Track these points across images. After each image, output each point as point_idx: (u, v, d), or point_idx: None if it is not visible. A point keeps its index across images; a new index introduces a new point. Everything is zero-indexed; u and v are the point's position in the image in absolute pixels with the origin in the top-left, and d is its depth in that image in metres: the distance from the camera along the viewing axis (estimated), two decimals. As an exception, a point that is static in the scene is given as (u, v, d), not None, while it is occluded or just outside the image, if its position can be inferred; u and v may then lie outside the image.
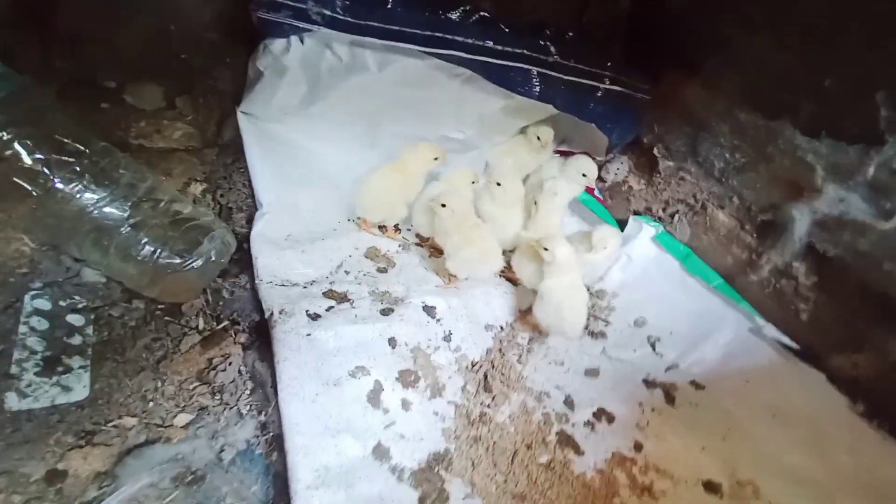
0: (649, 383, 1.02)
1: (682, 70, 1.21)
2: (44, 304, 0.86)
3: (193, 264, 0.88)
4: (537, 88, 1.10)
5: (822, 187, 0.92)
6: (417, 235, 1.23)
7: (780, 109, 0.99)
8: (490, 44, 1.03)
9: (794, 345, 1.03)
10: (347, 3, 0.98)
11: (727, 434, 0.93)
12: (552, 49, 1.08)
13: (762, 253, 1.07)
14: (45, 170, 0.80)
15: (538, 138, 1.25)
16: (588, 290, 1.21)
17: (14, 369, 0.77)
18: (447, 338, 1.00)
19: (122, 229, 0.85)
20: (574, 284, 1.02)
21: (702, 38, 1.17)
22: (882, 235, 0.86)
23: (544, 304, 1.01)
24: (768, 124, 1.01)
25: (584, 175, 1.22)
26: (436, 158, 1.13)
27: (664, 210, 1.27)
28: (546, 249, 1.00)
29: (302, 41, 1.02)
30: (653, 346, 1.10)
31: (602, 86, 1.14)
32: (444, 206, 1.07)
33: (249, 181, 1.14)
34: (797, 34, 0.96)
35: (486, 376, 0.96)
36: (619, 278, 1.24)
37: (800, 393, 0.97)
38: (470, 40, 1.03)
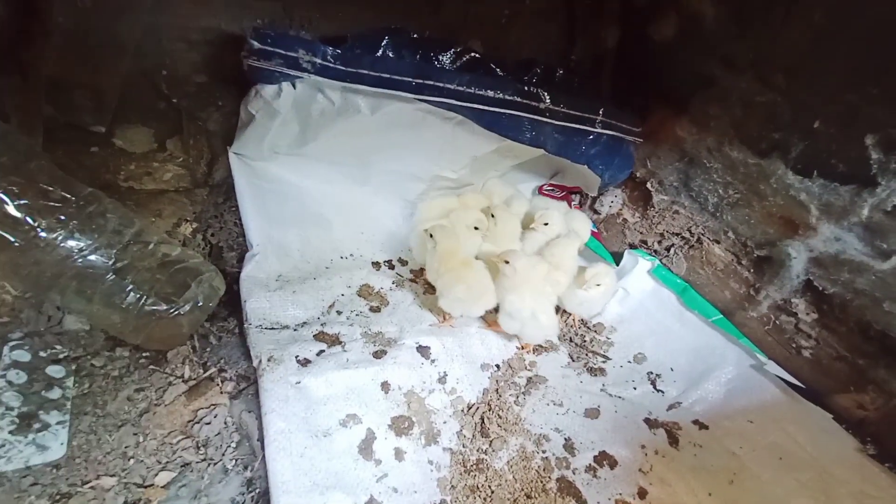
0: (651, 423, 0.99)
1: (671, 106, 1.23)
2: (23, 355, 0.83)
3: (180, 310, 0.86)
4: (528, 134, 1.11)
5: (817, 226, 0.92)
6: (412, 271, 1.22)
7: (770, 148, 1.00)
8: (481, 91, 1.05)
9: (797, 382, 1.01)
10: (338, 51, 1.00)
11: (734, 478, 0.90)
12: (544, 96, 1.09)
13: (760, 288, 1.06)
14: (29, 218, 0.78)
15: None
16: (585, 324, 1.20)
17: (-13, 428, 0.73)
18: (442, 379, 0.97)
19: (107, 277, 0.83)
20: (537, 290, 1.05)
21: (687, 76, 1.20)
22: (880, 275, 0.85)
23: (510, 319, 1.04)
24: (759, 162, 1.02)
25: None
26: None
27: (660, 243, 1.27)
28: (507, 263, 1.02)
29: (294, 86, 1.03)
30: (653, 384, 1.08)
31: (594, 130, 1.15)
32: (431, 236, 1.06)
33: (240, 220, 1.13)
34: (781, 75, 0.98)
35: (482, 419, 0.93)
36: (616, 312, 1.23)
37: (806, 434, 0.94)
38: (461, 87, 1.04)
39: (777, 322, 1.04)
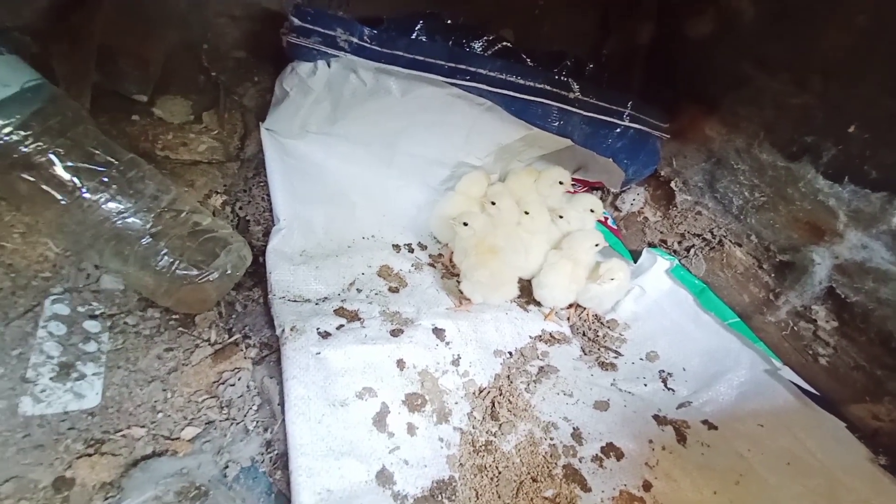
0: (660, 420, 0.99)
1: (701, 105, 1.21)
2: (63, 309, 0.87)
3: (209, 276, 0.89)
4: (556, 123, 1.11)
5: (844, 233, 0.90)
6: (431, 256, 1.24)
7: (801, 151, 0.99)
8: (511, 78, 1.05)
9: (811, 389, 1.01)
10: (374, 32, 1.01)
11: (740, 479, 0.90)
12: (573, 85, 1.09)
13: (780, 294, 1.05)
14: (75, 179, 0.82)
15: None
16: (599, 319, 1.21)
17: (30, 374, 0.78)
18: (455, 362, 0.99)
19: (143, 240, 0.86)
20: (550, 262, 1.14)
21: (720, 74, 1.18)
22: (906, 285, 0.84)
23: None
24: (788, 165, 1.01)
25: (591, 210, 1.23)
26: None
27: (679, 243, 1.26)
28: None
29: (329, 65, 1.05)
30: (664, 382, 1.08)
31: (621, 123, 1.15)
32: (465, 224, 1.08)
33: (268, 195, 1.16)
34: (818, 77, 0.96)
35: (493, 403, 0.95)
36: (631, 310, 1.23)
37: (817, 441, 0.94)
38: (492, 73, 1.05)
39: (795, 328, 1.03)
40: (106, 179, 0.84)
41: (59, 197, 0.81)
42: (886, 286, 0.88)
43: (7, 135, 0.78)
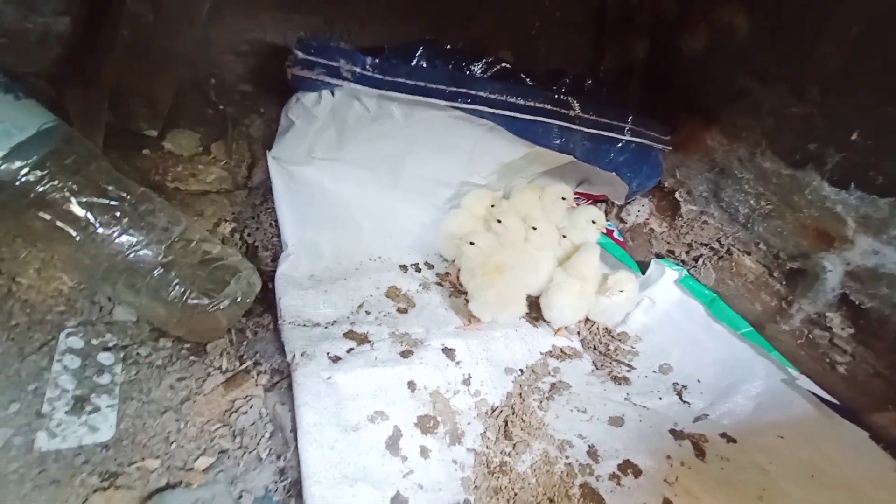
0: (677, 434, 0.97)
1: (701, 117, 1.23)
2: (77, 342, 0.88)
3: (220, 305, 0.90)
4: (558, 141, 1.13)
5: (854, 239, 0.90)
6: (438, 275, 1.24)
7: (805, 159, 0.99)
8: (512, 98, 1.07)
9: (831, 399, 0.99)
10: (376, 60, 1.04)
11: (763, 494, 0.88)
12: (573, 103, 1.11)
13: (792, 301, 1.04)
14: (89, 215, 0.84)
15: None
16: (610, 332, 1.20)
17: (46, 408, 0.79)
18: (466, 381, 0.98)
19: (155, 271, 0.88)
20: (557, 282, 1.13)
21: (718, 87, 1.19)
22: (920, 290, 0.83)
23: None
24: (793, 173, 1.01)
25: (593, 222, 1.23)
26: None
27: (687, 253, 1.26)
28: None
29: (333, 94, 1.08)
30: (679, 395, 1.07)
31: (622, 137, 1.16)
32: (472, 243, 1.08)
33: (276, 221, 1.18)
34: (815, 88, 0.97)
35: (506, 422, 0.93)
36: (641, 322, 1.21)
37: (840, 452, 0.92)
38: (493, 95, 1.07)
39: (810, 336, 1.02)
40: (118, 214, 0.86)
41: (73, 233, 0.83)
42: (901, 291, 0.87)
43: (24, 175, 0.80)
